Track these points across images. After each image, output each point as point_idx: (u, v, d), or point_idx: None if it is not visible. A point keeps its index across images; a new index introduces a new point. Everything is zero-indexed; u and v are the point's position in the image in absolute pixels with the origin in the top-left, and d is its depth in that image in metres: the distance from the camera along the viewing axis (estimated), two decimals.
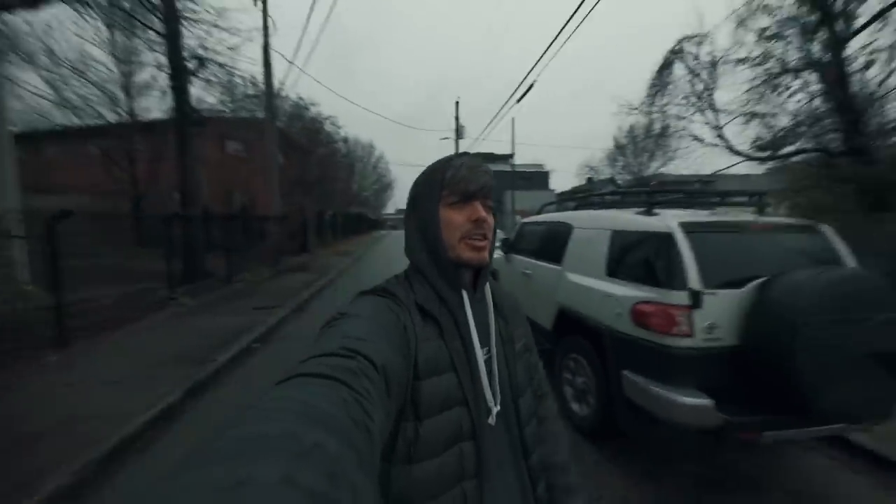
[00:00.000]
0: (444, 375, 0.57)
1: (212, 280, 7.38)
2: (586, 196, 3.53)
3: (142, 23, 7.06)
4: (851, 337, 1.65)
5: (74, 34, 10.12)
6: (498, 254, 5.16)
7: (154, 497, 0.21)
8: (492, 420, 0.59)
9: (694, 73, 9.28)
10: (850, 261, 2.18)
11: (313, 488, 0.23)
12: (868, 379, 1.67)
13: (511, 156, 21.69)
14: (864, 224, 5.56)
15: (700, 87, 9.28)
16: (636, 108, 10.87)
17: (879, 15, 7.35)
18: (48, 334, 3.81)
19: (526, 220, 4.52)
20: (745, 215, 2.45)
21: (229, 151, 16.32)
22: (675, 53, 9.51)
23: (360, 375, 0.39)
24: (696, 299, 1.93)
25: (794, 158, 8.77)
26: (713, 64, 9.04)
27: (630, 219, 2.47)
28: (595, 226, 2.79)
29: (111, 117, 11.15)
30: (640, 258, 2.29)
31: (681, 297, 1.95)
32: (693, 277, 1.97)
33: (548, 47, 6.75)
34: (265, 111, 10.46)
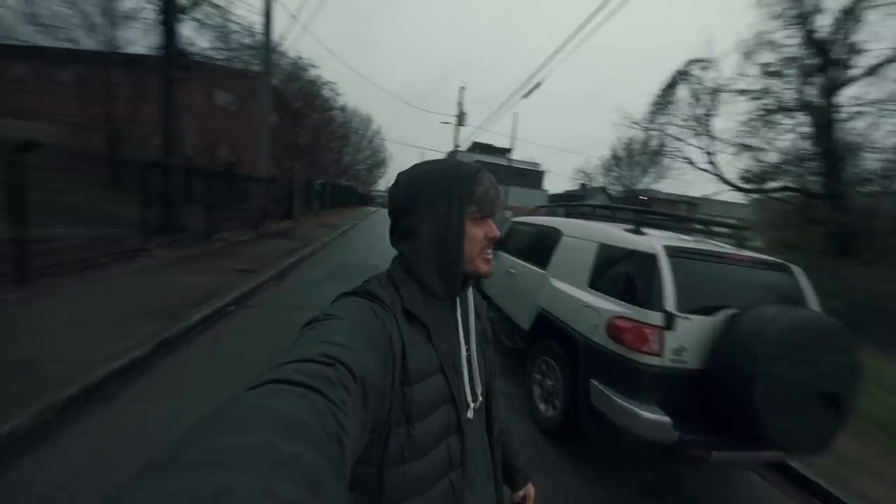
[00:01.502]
0: (433, 377, 0.59)
1: (188, 235, 7.08)
2: (579, 205, 3.58)
3: None
4: (805, 374, 1.77)
5: None
6: None
7: None
8: (470, 414, 0.64)
9: (696, 97, 9.48)
10: (814, 303, 2.32)
11: (293, 499, 0.23)
12: (814, 415, 1.80)
13: (510, 150, 21.60)
14: (829, 265, 5.91)
15: (700, 111, 9.50)
16: (636, 123, 11.01)
17: (872, 70, 7.67)
18: (7, 269, 3.58)
19: (517, 219, 4.54)
20: (725, 246, 2.54)
21: (218, 102, 15.48)
22: (682, 74, 9.66)
23: (337, 385, 0.38)
24: (669, 321, 2.01)
25: (776, 195, 9.19)
26: (716, 91, 9.24)
27: (619, 234, 2.52)
28: (584, 236, 2.84)
29: (88, 44, 10.23)
30: (622, 274, 2.36)
31: (656, 318, 2.03)
32: (669, 300, 2.05)
33: (560, 48, 6.66)
34: (261, 64, 9.92)
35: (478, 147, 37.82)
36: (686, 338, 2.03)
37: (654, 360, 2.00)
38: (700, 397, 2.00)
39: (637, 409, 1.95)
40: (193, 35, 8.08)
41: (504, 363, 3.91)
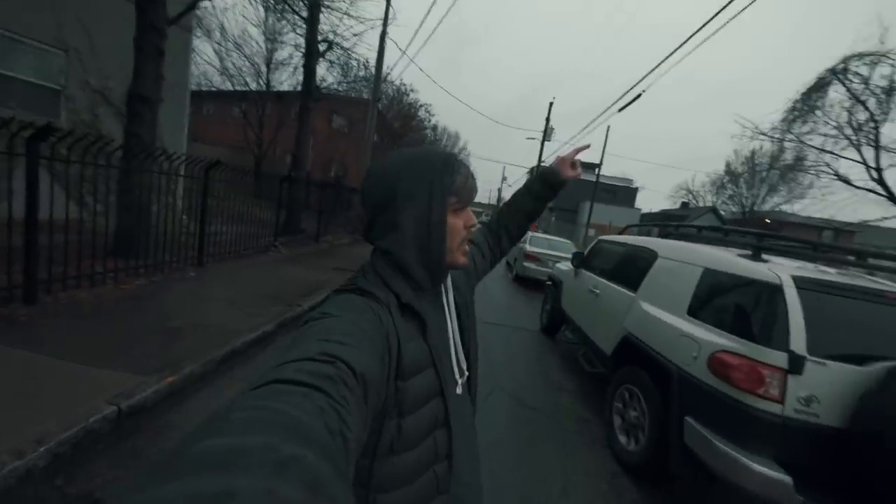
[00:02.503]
0: (424, 372, 0.59)
1: (304, 236, 8.45)
2: (680, 225, 3.24)
3: (290, 6, 8.18)
4: None
5: (241, 14, 12.13)
6: (567, 266, 5.01)
7: None
8: (459, 389, 0.64)
9: (857, 100, 7.51)
10: None
11: (294, 500, 0.23)
12: None
13: (599, 165, 20.28)
14: None
15: (863, 117, 7.51)
16: (765, 133, 9.27)
17: None
18: (192, 255, 4.84)
19: (604, 237, 4.30)
20: (888, 283, 2.05)
21: (334, 126, 18.17)
22: (836, 73, 7.79)
23: (338, 383, 0.38)
24: (796, 364, 1.71)
25: None
26: (889, 90, 7.23)
27: (730, 259, 2.24)
28: (685, 259, 2.58)
29: (253, 86, 13.28)
30: (733, 304, 2.09)
31: (777, 358, 1.75)
32: (797, 339, 1.75)
33: (667, 57, 6.13)
34: (371, 93, 11.41)
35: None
36: (820, 387, 1.70)
37: (773, 407, 1.72)
38: (835, 462, 1.64)
39: (745, 460, 1.70)
40: (324, 72, 9.90)
41: (581, 387, 3.70)
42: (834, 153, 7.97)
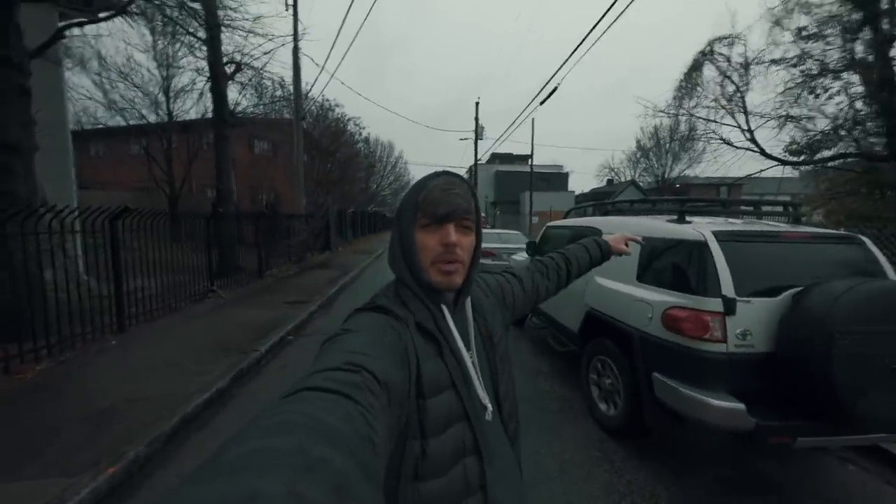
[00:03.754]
0: (445, 393, 0.59)
1: (244, 274, 7.76)
2: (615, 202, 3.58)
3: (184, 29, 7.49)
4: (885, 348, 1.67)
5: (122, 40, 10.74)
6: (523, 256, 5.24)
7: None
8: (489, 416, 0.61)
9: (725, 76, 9.04)
10: (891, 272, 2.18)
11: (319, 502, 0.23)
12: None
13: (530, 156, 21.60)
14: None
15: (731, 89, 9.05)
16: (662, 111, 10.68)
17: None
18: (108, 320, 4.16)
19: (552, 223, 4.59)
20: (780, 225, 2.46)
21: (257, 152, 16.97)
22: (705, 55, 9.29)
23: (364, 390, 0.40)
24: (729, 306, 1.98)
25: (832, 164, 8.44)
26: (745, 66, 8.78)
27: (662, 226, 2.52)
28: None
29: (152, 118, 11.82)
30: (672, 265, 2.35)
31: (714, 304, 2.01)
32: (727, 285, 2.02)
33: (573, 51, 6.75)
34: (293, 113, 10.86)
35: (497, 157, 38.03)
36: (750, 322, 1.98)
37: (719, 347, 1.97)
38: (774, 382, 1.93)
39: (707, 398, 1.92)
40: (236, 96, 9.14)
41: (555, 367, 3.89)
42: (716, 121, 9.39)
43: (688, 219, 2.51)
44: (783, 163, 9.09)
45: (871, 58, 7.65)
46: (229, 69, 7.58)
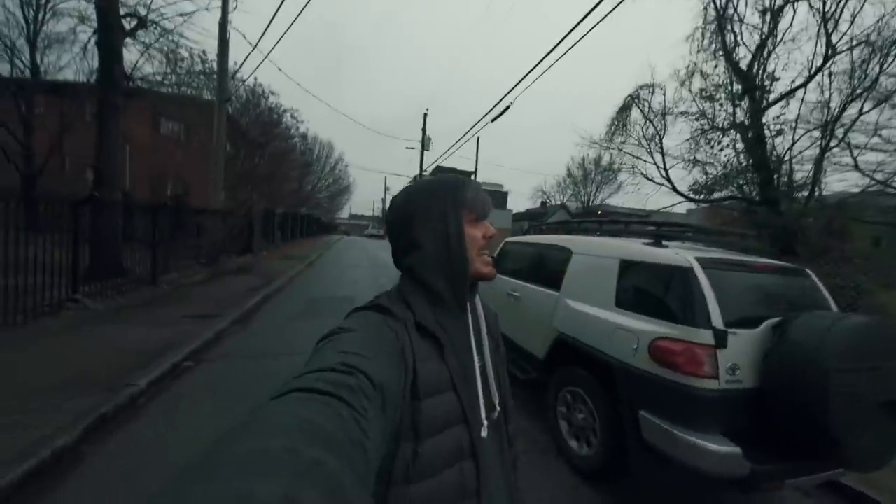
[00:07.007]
0: (444, 394, 0.58)
1: (129, 279, 6.13)
2: (581, 222, 3.49)
3: None
4: (868, 384, 1.67)
5: None
6: None
7: None
8: (484, 433, 0.60)
9: (647, 119, 10.36)
10: (833, 305, 2.32)
11: None
12: (878, 427, 1.70)
13: (473, 173, 22.17)
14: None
15: (651, 131, 10.38)
16: (596, 142, 11.76)
17: (786, 94, 8.88)
18: None
19: (510, 239, 4.39)
20: (745, 255, 2.52)
21: (163, 132, 14.34)
22: (633, 98, 10.54)
23: (358, 392, 0.39)
24: (720, 339, 1.86)
25: (724, 203, 10.07)
26: (663, 113, 10.17)
27: (642, 249, 2.40)
28: (600, 253, 2.70)
29: (6, 71, 9.04)
30: (655, 291, 2.21)
31: (706, 336, 1.87)
32: (716, 315, 1.91)
33: (528, 72, 6.94)
34: (216, 92, 9.32)
35: (440, 170, 38.58)
36: (737, 355, 1.88)
37: (712, 384, 1.83)
38: (761, 419, 1.84)
39: (703, 442, 1.74)
40: (140, 60, 7.31)
41: (516, 397, 3.59)
42: (640, 158, 10.60)
43: (665, 243, 2.44)
44: (688, 199, 10.60)
45: (748, 121, 9.41)
46: (129, 23, 6.05)
